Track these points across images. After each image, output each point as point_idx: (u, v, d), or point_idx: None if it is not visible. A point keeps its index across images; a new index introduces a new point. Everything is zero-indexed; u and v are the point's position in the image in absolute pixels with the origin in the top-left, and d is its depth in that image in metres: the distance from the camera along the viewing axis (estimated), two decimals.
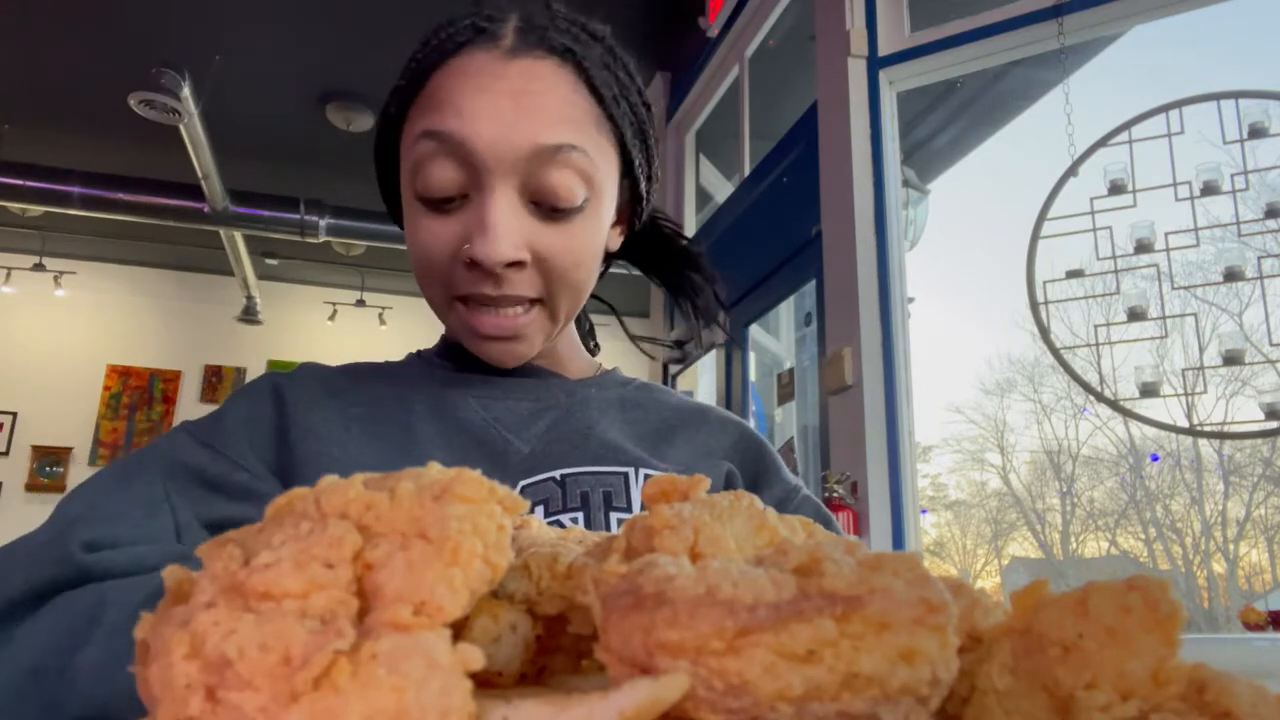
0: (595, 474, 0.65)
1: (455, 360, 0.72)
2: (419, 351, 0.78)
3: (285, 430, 0.63)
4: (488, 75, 0.59)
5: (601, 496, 0.64)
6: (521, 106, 0.58)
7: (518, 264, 0.60)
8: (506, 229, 0.59)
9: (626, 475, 0.65)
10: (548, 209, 0.61)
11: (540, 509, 0.63)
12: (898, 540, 2.11)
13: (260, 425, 0.64)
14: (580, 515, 0.63)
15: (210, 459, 0.59)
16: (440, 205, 0.60)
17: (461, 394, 0.68)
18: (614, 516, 0.63)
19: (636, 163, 0.68)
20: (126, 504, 0.54)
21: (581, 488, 0.64)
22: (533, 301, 0.63)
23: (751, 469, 0.73)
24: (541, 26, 0.61)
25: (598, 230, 0.65)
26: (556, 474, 0.64)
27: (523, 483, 0.64)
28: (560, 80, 0.60)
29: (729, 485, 0.72)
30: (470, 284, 0.61)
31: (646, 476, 0.66)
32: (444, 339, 0.76)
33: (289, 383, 0.68)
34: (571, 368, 0.76)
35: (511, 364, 0.67)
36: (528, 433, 0.67)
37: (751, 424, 0.83)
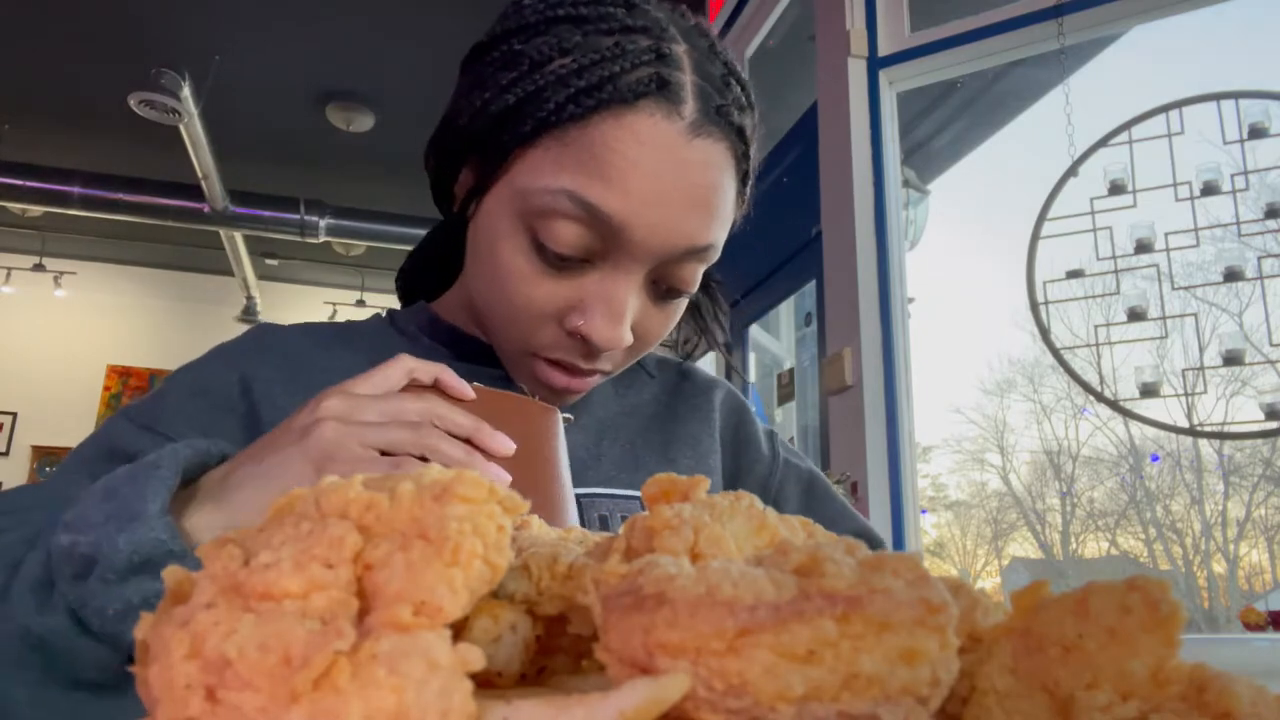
0: (612, 497, 0.64)
1: (449, 341, 0.68)
2: (390, 316, 0.72)
3: (255, 414, 0.59)
4: (666, 157, 0.52)
5: (619, 522, 0.63)
6: (693, 203, 0.54)
7: None
8: (630, 314, 0.56)
9: (641, 499, 0.65)
10: (664, 292, 0.58)
11: None
12: (898, 540, 2.11)
13: (217, 403, 0.59)
14: None
15: (151, 443, 0.54)
16: (556, 264, 0.55)
17: None
18: None
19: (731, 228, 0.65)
20: (43, 495, 0.51)
21: (599, 510, 0.63)
22: (607, 372, 0.62)
23: (731, 439, 0.75)
24: (718, 88, 0.55)
25: (684, 307, 0.63)
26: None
27: None
28: (726, 168, 0.56)
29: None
30: (563, 351, 0.58)
31: None
32: (428, 311, 0.70)
33: (251, 355, 0.63)
34: None
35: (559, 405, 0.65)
36: None
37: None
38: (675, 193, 0.53)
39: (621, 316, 0.55)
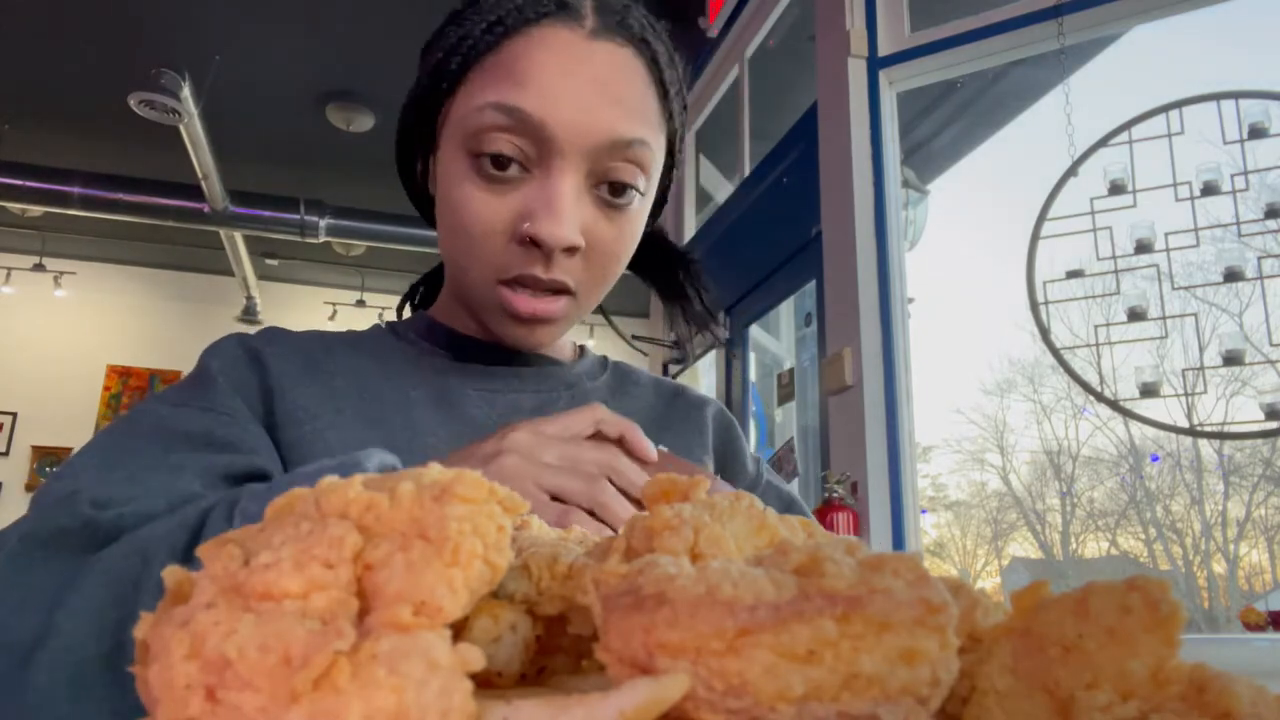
0: None
1: (446, 344, 0.70)
2: (389, 324, 0.75)
3: (270, 404, 0.61)
4: (571, 56, 0.58)
5: None
6: (604, 94, 0.58)
7: (572, 249, 0.60)
8: (572, 212, 0.59)
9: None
10: (606, 198, 0.61)
11: None
12: (898, 540, 2.11)
13: (245, 389, 0.61)
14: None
15: (217, 423, 0.57)
16: (497, 178, 0.59)
17: (460, 384, 0.67)
18: None
19: (675, 163, 0.68)
20: (133, 469, 0.52)
21: None
22: (570, 292, 0.63)
23: (720, 450, 0.77)
24: (618, 10, 0.61)
25: (640, 225, 0.65)
26: None
27: None
28: (637, 71, 0.60)
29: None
30: (522, 264, 0.60)
31: None
32: (426, 317, 0.73)
33: (263, 347, 0.65)
34: (563, 351, 0.77)
35: (535, 348, 0.67)
36: None
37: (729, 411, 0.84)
38: (585, 86, 0.58)
39: (563, 212, 0.58)
